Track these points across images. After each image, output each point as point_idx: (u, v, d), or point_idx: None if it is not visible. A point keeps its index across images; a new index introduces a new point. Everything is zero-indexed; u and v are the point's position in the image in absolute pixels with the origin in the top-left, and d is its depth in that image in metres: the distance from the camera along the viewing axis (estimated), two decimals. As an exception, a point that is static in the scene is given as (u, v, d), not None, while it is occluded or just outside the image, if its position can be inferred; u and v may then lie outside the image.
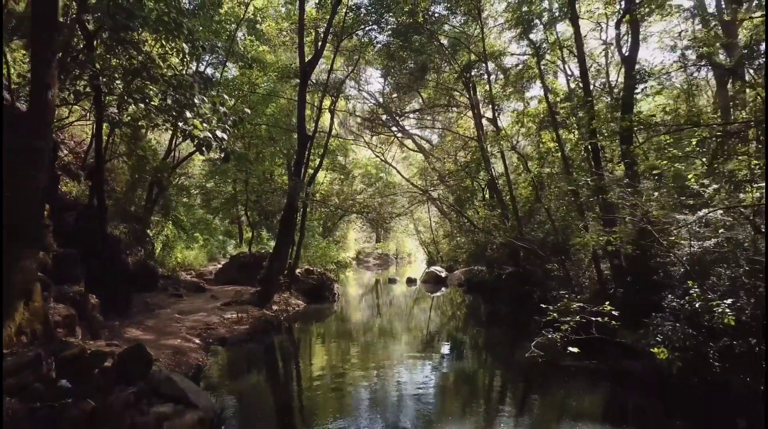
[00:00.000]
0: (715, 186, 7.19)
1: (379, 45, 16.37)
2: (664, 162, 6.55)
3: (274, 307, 12.84)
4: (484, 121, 17.39)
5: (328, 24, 12.91)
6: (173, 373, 5.39)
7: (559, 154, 10.45)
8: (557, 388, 6.99)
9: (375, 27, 14.62)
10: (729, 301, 5.75)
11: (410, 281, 24.01)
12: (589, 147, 8.32)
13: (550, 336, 6.49)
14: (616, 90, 11.19)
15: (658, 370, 6.63)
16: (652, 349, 6.01)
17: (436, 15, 14.62)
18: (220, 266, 18.54)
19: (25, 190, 4.40)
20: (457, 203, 21.35)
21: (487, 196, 19.70)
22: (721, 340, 5.94)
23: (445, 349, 10.33)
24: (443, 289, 21.33)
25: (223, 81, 14.36)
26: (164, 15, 6.37)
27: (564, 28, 14.04)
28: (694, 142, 6.32)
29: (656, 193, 6.63)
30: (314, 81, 15.97)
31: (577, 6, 11.79)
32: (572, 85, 12.57)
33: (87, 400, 3.97)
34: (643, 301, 7.64)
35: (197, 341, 9.07)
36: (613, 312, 6.04)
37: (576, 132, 9.70)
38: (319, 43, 13.39)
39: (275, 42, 16.47)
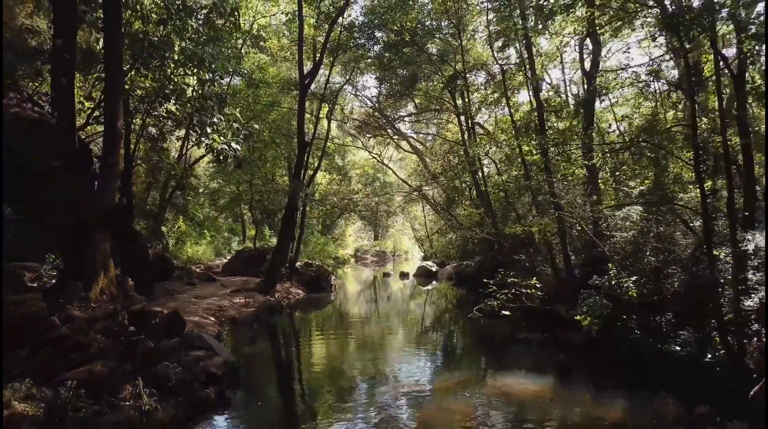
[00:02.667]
0: (642, 188, 8.84)
1: (371, 57, 17.91)
2: (574, 168, 8.19)
3: (277, 295, 14.46)
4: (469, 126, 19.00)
5: (325, 41, 14.53)
6: (201, 333, 7.03)
7: (528, 158, 12.05)
8: (513, 352, 8.68)
9: (367, 44, 16.20)
10: (633, 278, 7.37)
11: (403, 275, 25.57)
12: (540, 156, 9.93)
13: (488, 303, 8.14)
14: (574, 101, 12.80)
15: (590, 339, 8.27)
16: (576, 317, 7.64)
17: (421, 32, 16.19)
18: (226, 260, 20.16)
19: (103, 192, 6.07)
20: (447, 202, 22.92)
21: (474, 195, 21.32)
22: (630, 309, 7.57)
23: (418, 320, 12.00)
24: (434, 282, 22.87)
25: (230, 92, 15.95)
26: (191, 52, 7.98)
27: (542, 41, 15.69)
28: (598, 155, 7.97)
29: (571, 195, 8.28)
30: (312, 90, 17.55)
31: (545, 24, 13.46)
32: (547, 94, 14.22)
33: (148, 341, 5.61)
34: (584, 282, 9.29)
35: (212, 319, 10.70)
36: (538, 285, 7.67)
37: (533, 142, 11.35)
38: (317, 58, 15.00)
39: (277, 56, 18.09)
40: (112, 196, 6.14)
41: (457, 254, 24.84)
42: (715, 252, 6.61)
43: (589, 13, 11.88)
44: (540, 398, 6.20)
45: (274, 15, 17.32)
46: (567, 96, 13.13)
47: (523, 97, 25.97)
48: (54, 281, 6.57)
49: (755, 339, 6.52)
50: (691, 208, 7.31)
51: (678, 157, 7.69)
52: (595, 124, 15.57)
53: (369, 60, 18.37)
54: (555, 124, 12.37)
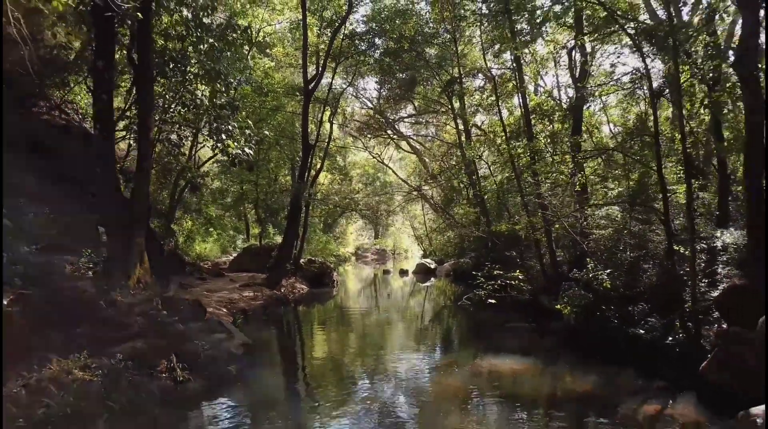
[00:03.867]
0: (620, 189, 9.68)
1: (372, 63, 18.72)
2: (553, 173, 9.04)
3: (283, 289, 15.30)
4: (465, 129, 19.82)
5: (328, 50, 15.35)
6: (220, 319, 7.88)
7: (517, 162, 12.90)
8: (502, 338, 9.50)
9: (368, 51, 17.03)
10: (608, 271, 8.21)
11: (403, 272, 26.44)
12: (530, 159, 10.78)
13: (476, 292, 8.99)
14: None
15: (572, 327, 9.11)
16: (557, 307, 8.48)
17: (419, 39, 17.00)
18: (231, 257, 21.00)
19: (140, 194, 6.92)
20: (445, 201, 23.74)
21: (471, 195, 22.15)
22: (610, 300, 8.40)
23: (415, 312, 12.86)
24: (432, 279, 23.71)
25: (238, 96, 16.78)
26: (209, 66, 8.80)
27: (538, 46, 16.56)
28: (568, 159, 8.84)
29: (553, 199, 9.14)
30: (315, 95, 18.39)
31: (538, 30, 14.31)
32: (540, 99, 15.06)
33: (179, 324, 6.45)
34: (569, 276, 10.13)
35: (224, 310, 11.54)
36: (520, 277, 8.52)
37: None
38: (320, 65, 15.83)
39: (283, 63, 18.92)
40: (147, 197, 7.01)
41: (455, 252, 25.66)
42: (676, 247, 7.44)
43: (575, 25, 12.78)
44: (522, 375, 7.06)
45: (280, 23, 18.15)
46: (561, 99, 13.95)
47: (518, 99, 26.84)
48: (90, 272, 7.42)
49: (716, 325, 7.35)
50: (656, 208, 8.13)
51: (643, 164, 8.49)
52: (585, 128, 16.46)
53: (369, 66, 19.19)
54: (547, 127, 13.22)
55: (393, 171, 31.28)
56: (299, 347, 9.66)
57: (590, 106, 13.96)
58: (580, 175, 9.20)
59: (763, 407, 4.24)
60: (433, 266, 25.65)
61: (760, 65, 7.09)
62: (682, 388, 6.17)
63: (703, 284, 8.22)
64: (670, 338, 7.18)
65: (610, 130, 18.89)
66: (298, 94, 17.95)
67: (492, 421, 5.50)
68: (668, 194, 9.32)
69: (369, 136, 28.54)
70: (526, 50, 15.42)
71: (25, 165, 9.15)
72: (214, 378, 6.22)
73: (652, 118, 7.76)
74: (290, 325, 12.14)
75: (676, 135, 8.19)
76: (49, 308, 5.44)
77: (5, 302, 5.28)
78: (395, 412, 5.78)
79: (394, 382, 6.89)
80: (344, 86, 21.18)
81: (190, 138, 10.68)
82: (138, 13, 5.86)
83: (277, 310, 12.97)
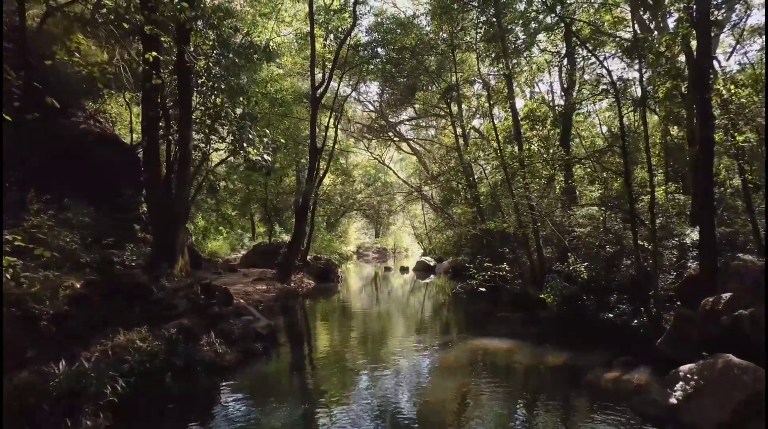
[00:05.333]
0: (600, 190, 10.81)
1: (374, 71, 19.83)
2: (539, 180, 10.20)
3: (292, 284, 16.44)
4: (463, 133, 20.95)
5: (334, 61, 16.48)
6: (245, 305, 9.03)
7: (508, 166, 14.04)
8: (492, 324, 10.64)
9: (371, 61, 18.17)
10: (585, 264, 9.34)
11: (403, 270, 27.53)
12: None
13: (468, 282, 10.13)
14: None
15: (556, 315, 10.23)
16: (541, 296, 9.61)
17: (419, 49, 18.12)
18: (240, 255, 22.13)
19: (181, 195, 8.06)
20: (444, 201, 24.85)
21: (468, 195, 23.27)
22: (590, 291, 9.53)
23: (414, 304, 14.00)
24: (432, 276, 24.79)
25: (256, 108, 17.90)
26: (234, 83, 9.93)
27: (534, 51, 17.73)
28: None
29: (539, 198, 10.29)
30: (322, 102, 19.53)
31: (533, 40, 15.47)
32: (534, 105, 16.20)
33: (216, 307, 7.59)
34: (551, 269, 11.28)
35: (242, 301, 12.64)
36: (507, 268, 9.66)
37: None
38: (326, 74, 16.95)
39: (292, 71, 20.07)
40: (187, 200, 8.13)
41: (453, 250, 26.75)
42: (647, 244, 8.57)
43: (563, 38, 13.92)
44: (507, 352, 8.21)
45: (288, 33, 19.27)
46: (555, 103, 15.11)
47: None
48: (133, 263, 8.56)
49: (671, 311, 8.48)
50: (624, 209, 9.25)
51: (610, 170, 9.62)
52: (575, 133, 17.60)
53: (372, 75, 20.32)
54: (540, 131, 14.34)
55: (394, 172, 32.35)
56: (313, 331, 10.86)
57: (580, 111, 15.05)
58: (562, 177, 10.32)
59: (692, 365, 5.38)
60: (432, 264, 26.73)
61: (713, 85, 8.21)
62: (642, 361, 7.27)
63: (672, 276, 9.38)
64: (636, 321, 8.30)
65: (601, 132, 20.08)
66: (305, 100, 19.08)
67: (478, 385, 6.64)
68: (639, 196, 10.53)
69: (371, 137, 29.64)
70: (522, 58, 16.62)
71: (63, 168, 10.33)
72: (245, 352, 7.37)
73: (634, 128, 8.87)
74: (302, 313, 13.29)
75: (641, 146, 9.31)
76: (112, 291, 6.57)
77: (78, 285, 6.43)
78: (398, 377, 6.93)
79: (397, 357, 8.03)
80: (348, 91, 22.30)
81: (213, 144, 11.79)
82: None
83: (289, 302, 14.10)
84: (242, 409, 5.66)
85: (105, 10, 7.18)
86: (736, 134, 8.14)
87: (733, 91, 7.88)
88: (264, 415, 5.46)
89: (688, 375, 5.25)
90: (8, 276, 4.33)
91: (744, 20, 13.61)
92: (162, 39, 7.05)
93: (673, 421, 5.02)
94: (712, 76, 8.41)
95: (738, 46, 14.53)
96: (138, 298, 6.79)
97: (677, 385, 5.21)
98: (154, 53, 6.82)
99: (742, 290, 6.17)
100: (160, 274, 7.43)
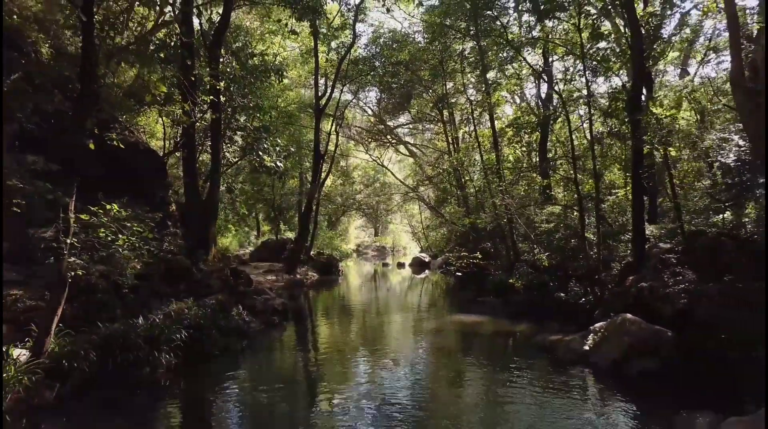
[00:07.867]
0: (565, 192, 12.68)
1: (372, 81, 21.69)
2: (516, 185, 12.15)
3: (298, 276, 18.30)
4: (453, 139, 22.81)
5: (336, 75, 18.33)
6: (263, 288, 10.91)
7: (492, 170, 15.90)
8: (470, 306, 12.49)
9: (370, 74, 20.05)
10: (546, 253, 11.20)
11: (400, 265, 29.39)
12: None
13: (448, 267, 11.98)
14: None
15: (526, 299, 12.10)
16: (510, 280, 11.47)
17: (413, 63, 20.01)
18: (248, 251, 24.00)
19: (212, 196, 9.94)
20: (438, 201, 26.68)
21: (459, 195, 25.11)
22: (557, 277, 11.40)
23: (406, 293, 15.88)
24: (426, 271, 26.64)
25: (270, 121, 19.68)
26: (253, 102, 11.75)
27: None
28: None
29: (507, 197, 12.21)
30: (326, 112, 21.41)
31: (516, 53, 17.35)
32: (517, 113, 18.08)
33: (240, 287, 9.46)
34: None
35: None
36: (479, 256, 11.52)
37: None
38: (328, 86, 18.81)
39: (297, 83, 21.97)
40: (217, 199, 10.00)
41: (447, 247, 28.62)
42: (587, 234, 10.41)
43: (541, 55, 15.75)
44: (477, 324, 10.10)
45: (292, 48, 21.14)
46: (541, 108, 16.94)
47: (503, 110, 29.87)
48: (169, 254, 10.41)
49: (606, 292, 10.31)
50: (575, 208, 11.10)
51: (566, 178, 11.48)
52: (554, 139, 19.40)
53: (371, 84, 22.18)
54: (524, 137, 16.20)
55: (392, 173, 34.13)
56: (318, 311, 12.72)
57: (561, 117, 16.90)
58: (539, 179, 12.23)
59: (602, 322, 7.24)
60: (427, 259, 28.59)
61: (649, 107, 10.02)
62: (580, 327, 9.14)
63: (622, 264, 11.24)
64: (583, 299, 10.16)
65: (584, 136, 21.88)
66: (309, 110, 20.95)
67: (451, 343, 8.51)
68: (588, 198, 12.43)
69: (369, 140, 31.43)
70: (508, 67, 18.47)
71: (111, 175, 12.18)
72: (267, 323, 9.25)
73: (589, 139, 10.70)
74: (308, 299, 15.18)
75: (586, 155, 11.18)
76: (165, 272, 8.44)
77: (138, 266, 8.30)
78: (392, 341, 8.80)
79: (391, 329, 9.90)
80: (349, 98, 24.14)
81: (231, 151, 13.66)
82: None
83: (295, 290, 15.97)
84: (266, 358, 7.56)
85: (154, 46, 9.01)
86: (664, 147, 9.95)
87: (660, 112, 9.70)
88: (282, 362, 7.35)
89: (598, 330, 7.13)
90: (122, 251, 6.21)
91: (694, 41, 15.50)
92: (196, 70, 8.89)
93: (584, 361, 6.89)
94: (644, 101, 10.25)
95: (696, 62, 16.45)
96: (183, 278, 8.63)
97: (589, 337, 7.08)
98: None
99: (650, 269, 8.03)
100: (198, 260, 9.28)
